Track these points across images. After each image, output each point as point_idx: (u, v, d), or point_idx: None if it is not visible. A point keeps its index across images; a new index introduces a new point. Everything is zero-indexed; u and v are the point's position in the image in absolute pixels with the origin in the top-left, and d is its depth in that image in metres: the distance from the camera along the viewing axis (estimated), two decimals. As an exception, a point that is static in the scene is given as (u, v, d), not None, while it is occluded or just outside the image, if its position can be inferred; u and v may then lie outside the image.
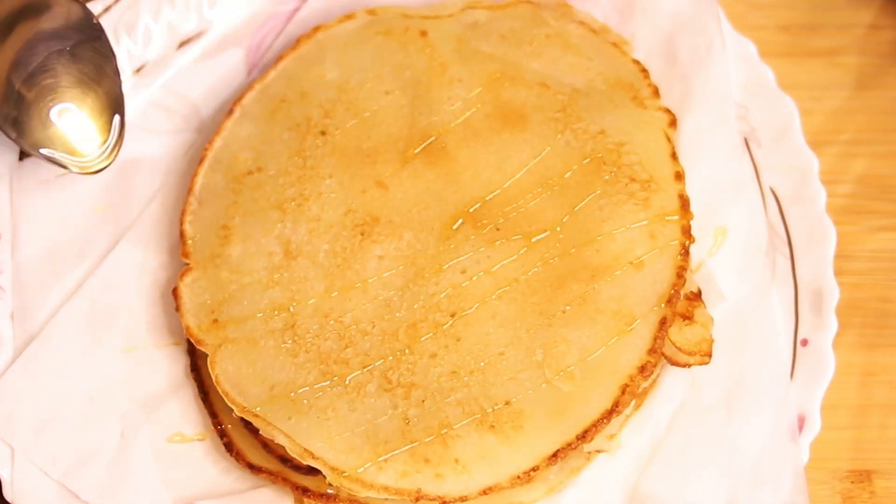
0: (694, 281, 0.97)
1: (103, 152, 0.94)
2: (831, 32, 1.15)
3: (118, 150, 0.95)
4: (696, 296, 0.95)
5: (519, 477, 0.87)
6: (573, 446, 0.88)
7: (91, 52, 0.93)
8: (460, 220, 0.95)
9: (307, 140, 0.99)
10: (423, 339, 0.91)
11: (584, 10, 1.06)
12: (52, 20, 0.92)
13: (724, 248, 1.00)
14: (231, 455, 0.93)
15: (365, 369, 0.90)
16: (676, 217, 0.94)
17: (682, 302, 0.93)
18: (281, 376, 0.91)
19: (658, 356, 0.90)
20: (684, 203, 0.94)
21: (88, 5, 1.05)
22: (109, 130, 0.94)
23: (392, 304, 0.93)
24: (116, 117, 0.94)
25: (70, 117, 0.93)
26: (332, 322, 0.92)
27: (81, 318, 0.98)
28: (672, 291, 0.91)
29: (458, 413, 0.88)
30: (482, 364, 0.90)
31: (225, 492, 0.94)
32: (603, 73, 1.01)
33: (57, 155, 0.92)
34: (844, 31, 1.15)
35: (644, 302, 0.91)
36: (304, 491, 0.91)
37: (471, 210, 0.95)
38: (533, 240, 0.93)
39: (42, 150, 0.92)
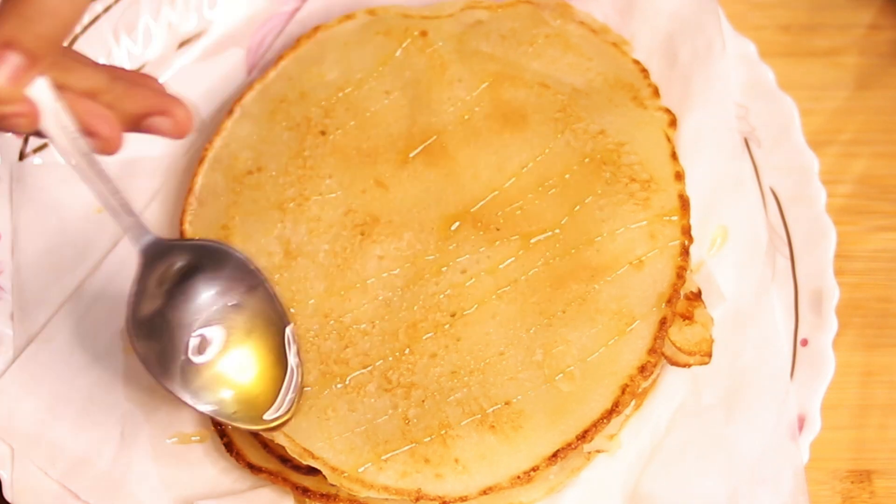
0: (694, 281, 0.97)
1: (280, 404, 0.86)
2: (831, 32, 1.15)
3: (298, 399, 0.87)
4: (696, 296, 0.95)
5: (519, 477, 0.87)
6: (573, 446, 0.88)
7: (254, 301, 0.86)
8: (460, 221, 0.95)
9: (307, 140, 0.99)
10: (423, 339, 0.91)
11: (584, 10, 1.06)
12: (208, 271, 0.85)
13: (724, 248, 1.00)
14: (231, 455, 0.93)
15: (365, 369, 0.90)
16: (676, 217, 0.94)
17: (682, 302, 0.93)
18: (281, 376, 0.91)
19: (658, 356, 0.90)
20: (684, 203, 0.94)
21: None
22: (282, 380, 0.86)
23: (392, 305, 0.93)
24: (291, 369, 0.86)
25: (243, 375, 0.85)
26: (332, 322, 0.92)
27: (81, 318, 0.98)
28: (672, 291, 0.91)
29: (458, 413, 0.88)
30: (482, 364, 0.90)
31: (225, 492, 0.94)
32: (603, 73, 1.01)
33: (232, 417, 0.84)
34: (844, 31, 1.15)
35: (644, 302, 0.91)
36: (304, 491, 0.91)
37: (471, 210, 0.95)
38: (533, 240, 0.93)
39: (217, 411, 0.84)
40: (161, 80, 1.06)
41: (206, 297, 0.85)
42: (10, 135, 1.02)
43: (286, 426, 0.88)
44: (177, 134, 0.82)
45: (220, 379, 0.85)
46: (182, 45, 1.08)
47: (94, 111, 0.77)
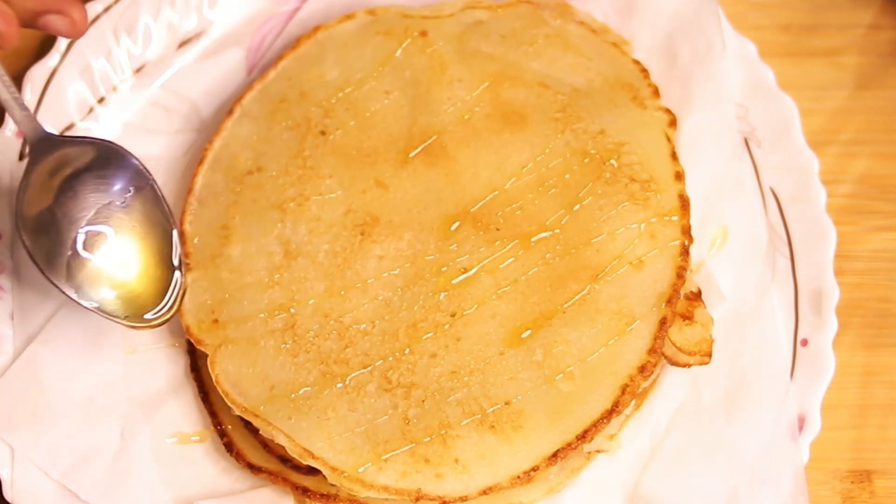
0: (694, 281, 0.97)
1: (164, 306, 0.90)
2: (831, 32, 1.15)
3: (179, 302, 0.91)
4: (696, 296, 0.95)
5: (519, 477, 0.87)
6: (573, 446, 0.88)
7: (142, 202, 0.90)
8: (460, 221, 0.95)
9: (307, 140, 0.99)
10: (423, 339, 0.91)
11: (584, 10, 1.06)
12: (91, 168, 0.89)
13: (724, 248, 1.00)
14: (231, 455, 0.93)
15: (365, 369, 0.90)
16: (676, 217, 0.94)
17: (682, 302, 0.93)
18: (281, 376, 0.91)
19: (658, 356, 0.90)
20: (684, 203, 0.94)
21: (88, 6, 1.06)
22: (168, 282, 0.91)
23: (392, 304, 0.93)
24: (177, 273, 0.91)
25: (126, 273, 0.89)
26: (332, 322, 0.92)
27: (81, 318, 0.98)
28: (672, 291, 0.91)
29: (458, 413, 0.88)
30: (482, 364, 0.90)
31: (225, 492, 0.94)
32: (603, 73, 1.01)
33: (114, 313, 0.89)
34: (844, 31, 1.15)
35: (644, 302, 0.91)
36: (304, 491, 0.91)
37: (471, 210, 0.95)
38: (533, 240, 0.93)
39: (99, 307, 0.88)
40: (161, 80, 1.07)
41: (94, 195, 0.88)
42: (10, 135, 1.02)
43: (286, 426, 0.88)
44: (71, 33, 0.84)
45: (103, 276, 0.88)
46: (182, 45, 1.08)
47: None
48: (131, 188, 0.89)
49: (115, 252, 0.89)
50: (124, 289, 0.89)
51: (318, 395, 0.89)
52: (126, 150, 0.90)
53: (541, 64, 1.01)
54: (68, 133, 1.03)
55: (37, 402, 0.95)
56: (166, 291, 0.90)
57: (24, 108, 0.87)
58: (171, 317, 0.90)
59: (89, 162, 0.89)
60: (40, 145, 0.88)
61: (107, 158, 0.89)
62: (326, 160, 0.98)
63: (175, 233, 0.90)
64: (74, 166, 0.89)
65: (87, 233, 0.88)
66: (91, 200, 0.89)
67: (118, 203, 0.89)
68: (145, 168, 0.90)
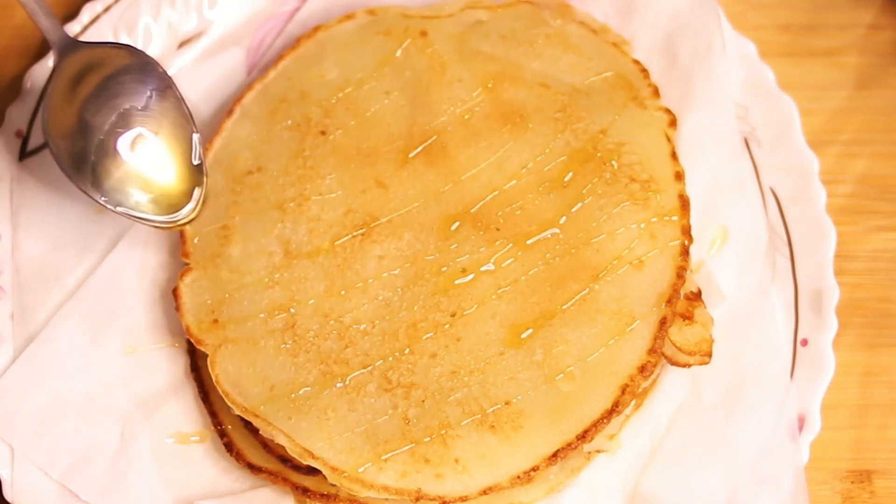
0: (694, 281, 0.97)
1: (193, 208, 0.92)
2: (831, 32, 1.15)
3: (203, 201, 0.93)
4: (696, 296, 0.95)
5: (519, 477, 0.87)
6: (573, 446, 0.88)
7: (163, 104, 0.91)
8: (460, 221, 0.95)
9: (307, 140, 0.99)
10: (423, 339, 0.91)
11: (584, 10, 1.06)
12: (116, 74, 0.91)
13: (725, 248, 1.00)
14: (231, 455, 0.93)
15: (365, 369, 0.90)
16: (676, 217, 0.94)
17: (682, 302, 0.93)
18: (281, 376, 0.91)
19: (658, 356, 0.90)
20: (684, 203, 0.94)
21: (87, 6, 1.06)
22: (192, 182, 0.92)
23: (392, 305, 0.93)
24: (199, 174, 0.92)
25: (153, 174, 0.91)
26: (332, 322, 0.92)
27: (81, 318, 0.98)
28: (672, 291, 0.91)
29: (458, 413, 0.88)
30: (482, 364, 0.90)
31: (225, 492, 0.94)
32: (603, 74, 1.01)
33: (147, 214, 0.90)
34: (844, 31, 1.15)
35: (644, 302, 0.91)
36: (304, 491, 0.91)
37: (471, 210, 0.95)
38: (533, 240, 0.93)
39: (130, 210, 0.90)
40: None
41: (117, 99, 0.90)
42: (10, 135, 1.02)
43: (286, 426, 0.88)
44: None
45: (132, 178, 0.90)
46: (182, 45, 1.08)
47: None
48: (153, 92, 0.91)
49: (141, 155, 0.90)
50: (153, 190, 0.90)
51: (318, 395, 0.89)
52: (147, 55, 0.92)
53: (541, 64, 1.01)
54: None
55: (37, 402, 0.95)
56: (192, 192, 0.92)
57: (49, 15, 0.91)
58: (197, 216, 0.92)
59: (112, 67, 0.91)
60: (66, 50, 0.91)
61: (128, 63, 0.91)
62: (326, 160, 0.98)
63: (196, 136, 0.92)
64: (98, 72, 0.91)
65: (112, 137, 0.89)
66: (114, 105, 0.90)
67: (140, 107, 0.91)
68: (165, 72, 0.92)
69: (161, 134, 0.91)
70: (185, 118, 0.92)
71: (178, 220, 0.91)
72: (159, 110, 0.91)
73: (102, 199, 0.89)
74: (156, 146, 0.90)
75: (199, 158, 0.92)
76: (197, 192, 0.92)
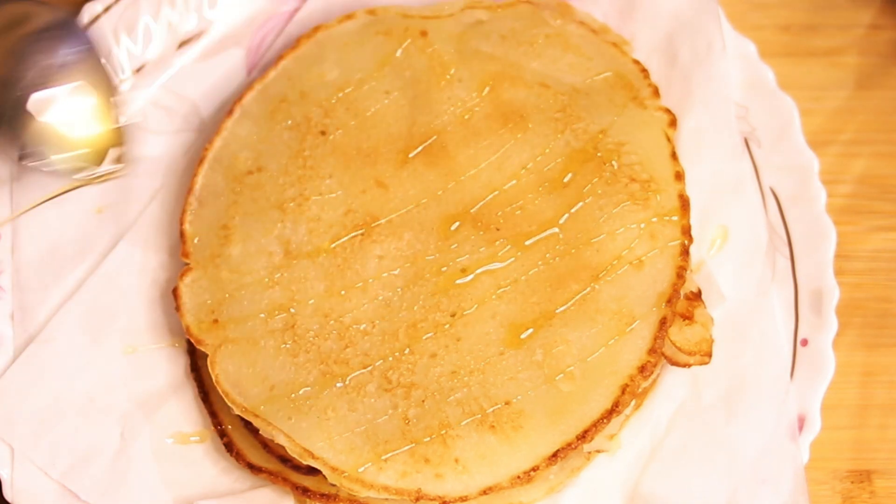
0: (694, 281, 0.97)
1: (109, 169, 0.93)
2: (831, 32, 1.15)
3: (125, 157, 0.94)
4: (696, 296, 0.95)
5: (519, 477, 0.87)
6: (573, 446, 0.88)
7: (83, 64, 0.91)
8: (460, 221, 0.95)
9: (307, 140, 0.99)
10: (423, 339, 0.91)
11: (584, 10, 1.06)
12: (37, 31, 0.91)
13: (725, 248, 1.00)
14: (231, 455, 0.93)
15: (365, 369, 0.90)
16: (676, 217, 0.94)
17: (682, 302, 0.93)
18: (281, 376, 0.91)
19: (658, 356, 0.90)
20: (684, 203, 0.94)
21: (87, 6, 1.06)
22: (110, 143, 0.93)
23: (392, 305, 0.93)
24: (122, 139, 0.93)
25: (71, 130, 0.91)
26: (332, 322, 0.92)
27: (81, 318, 0.98)
28: (672, 291, 0.91)
29: (458, 413, 0.88)
30: (482, 364, 0.90)
31: (225, 492, 0.94)
32: (603, 74, 1.01)
33: (62, 166, 0.91)
34: (844, 31, 1.15)
35: (644, 302, 0.91)
36: (304, 491, 0.91)
37: (471, 210, 0.95)
38: (533, 240, 0.93)
39: (45, 163, 0.91)
40: (161, 81, 1.07)
41: (36, 55, 0.90)
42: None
43: (286, 426, 0.88)
44: None
45: (43, 134, 0.90)
46: (182, 45, 1.08)
47: None
48: (73, 51, 0.91)
49: (56, 112, 0.90)
50: (68, 147, 0.91)
51: (318, 395, 0.89)
52: (69, 13, 0.93)
53: (541, 64, 1.01)
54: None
55: (37, 402, 0.95)
56: (110, 147, 0.92)
57: None
58: (122, 171, 0.92)
59: (33, 25, 0.90)
60: None
61: (49, 20, 0.91)
62: (326, 160, 0.98)
63: (115, 98, 0.92)
64: (18, 29, 0.90)
65: (28, 92, 0.89)
66: (33, 61, 0.90)
67: (58, 64, 0.90)
68: (86, 33, 0.93)
69: (78, 93, 0.91)
70: (105, 80, 0.92)
71: (91, 176, 0.92)
72: (78, 70, 0.91)
73: (20, 151, 0.90)
74: (72, 104, 0.91)
75: (118, 121, 0.92)
76: (113, 151, 0.92)
